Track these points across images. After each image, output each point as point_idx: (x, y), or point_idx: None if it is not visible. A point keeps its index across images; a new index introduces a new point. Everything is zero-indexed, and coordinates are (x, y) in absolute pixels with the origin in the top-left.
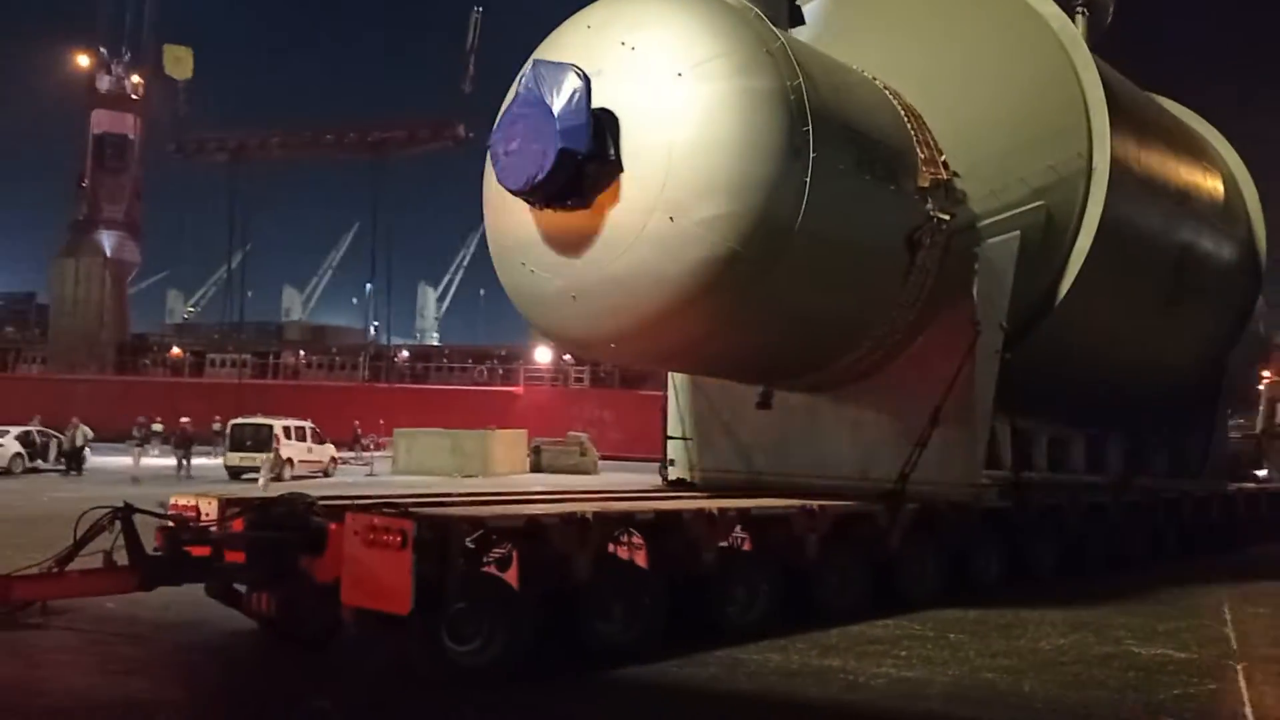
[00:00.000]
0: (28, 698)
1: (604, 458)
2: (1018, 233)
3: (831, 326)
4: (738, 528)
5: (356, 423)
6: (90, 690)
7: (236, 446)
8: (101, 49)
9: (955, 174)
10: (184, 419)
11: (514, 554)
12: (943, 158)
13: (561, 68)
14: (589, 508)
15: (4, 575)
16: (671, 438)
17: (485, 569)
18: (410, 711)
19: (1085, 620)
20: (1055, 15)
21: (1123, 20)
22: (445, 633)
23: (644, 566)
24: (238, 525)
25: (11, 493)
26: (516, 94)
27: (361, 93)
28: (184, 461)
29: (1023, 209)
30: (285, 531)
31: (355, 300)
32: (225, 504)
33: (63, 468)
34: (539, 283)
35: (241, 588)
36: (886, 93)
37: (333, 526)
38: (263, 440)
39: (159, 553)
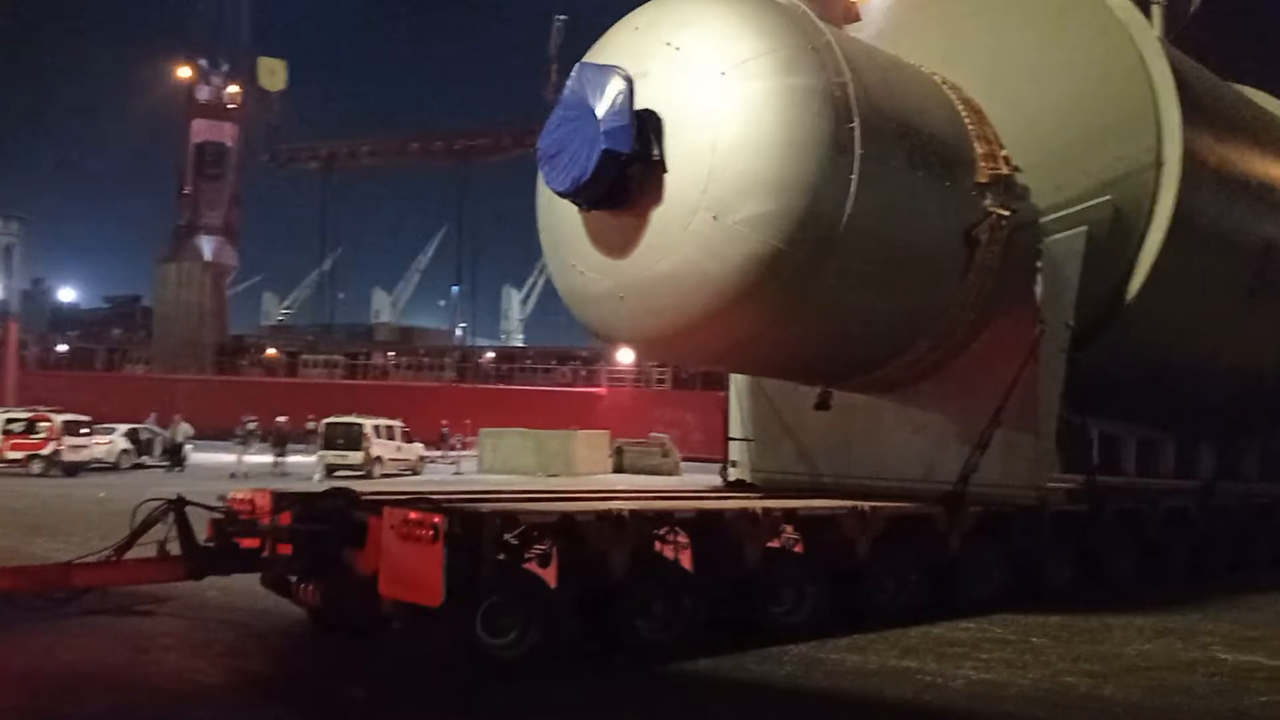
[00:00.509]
0: (139, 678)
1: (686, 459)
2: (1084, 228)
3: (886, 326)
4: (789, 529)
5: (444, 422)
6: (194, 672)
7: (329, 445)
8: (201, 61)
9: (1017, 169)
10: (281, 418)
11: (554, 550)
12: (1004, 152)
13: (605, 70)
14: (627, 505)
15: (65, 563)
16: (732, 439)
17: (525, 564)
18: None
19: (1171, 626)
20: (1123, 5)
21: (1215, 8)
22: (480, 625)
23: (687, 566)
24: (285, 519)
25: (118, 487)
26: (562, 97)
27: (447, 101)
28: (280, 459)
29: (1089, 204)
30: (328, 525)
31: (442, 302)
32: (277, 498)
33: (166, 464)
34: (587, 283)
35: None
36: (945, 87)
37: (372, 520)
38: (354, 439)
39: (210, 544)
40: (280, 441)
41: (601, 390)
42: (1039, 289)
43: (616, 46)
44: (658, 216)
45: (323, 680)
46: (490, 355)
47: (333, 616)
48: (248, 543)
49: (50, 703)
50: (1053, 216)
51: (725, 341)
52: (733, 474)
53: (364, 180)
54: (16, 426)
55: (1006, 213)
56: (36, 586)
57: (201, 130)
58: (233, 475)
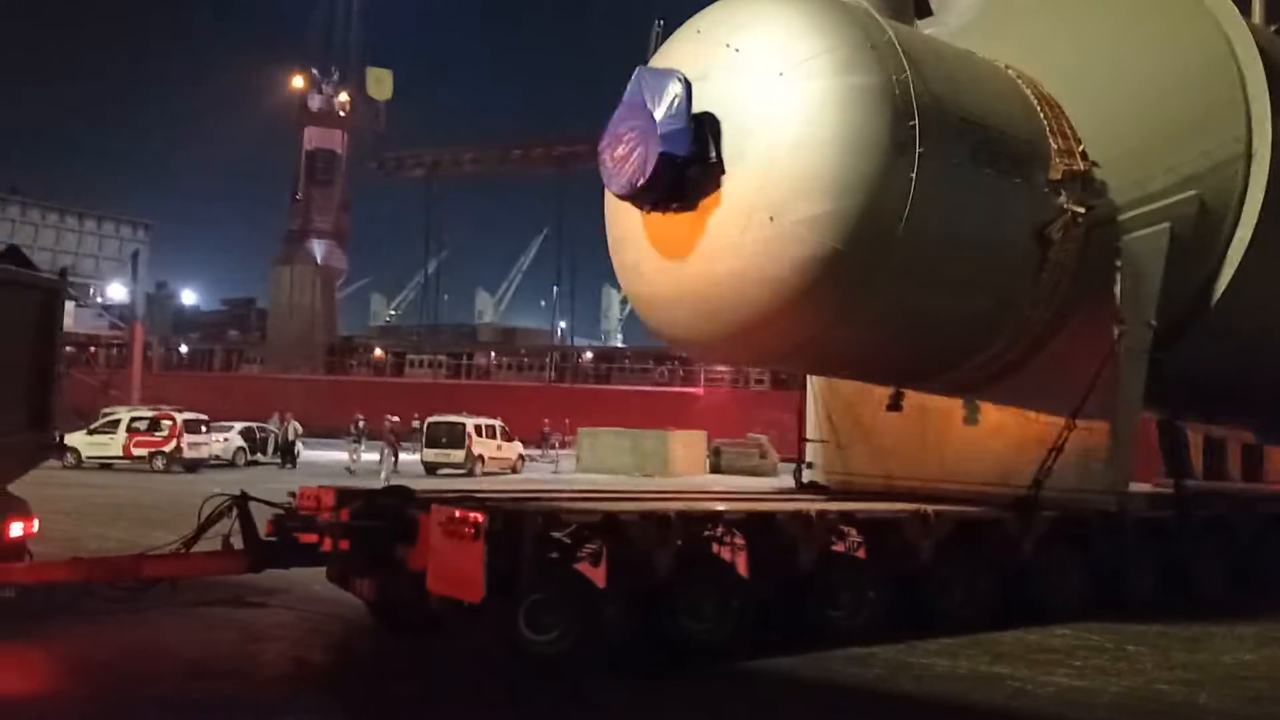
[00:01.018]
0: (248, 665)
1: (784, 460)
2: (1167, 225)
3: (954, 326)
4: (853, 533)
5: (546, 422)
6: (296, 662)
7: (432, 443)
8: (313, 70)
9: (1095, 164)
10: (393, 417)
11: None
12: (1081, 147)
13: (664, 74)
14: (674, 506)
15: (136, 554)
16: (808, 440)
17: (575, 563)
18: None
19: (1276, 636)
20: None
21: None
22: (523, 622)
23: (739, 566)
24: (344, 515)
25: (233, 484)
26: (622, 101)
27: (547, 107)
28: (392, 457)
29: (1172, 200)
30: (382, 521)
31: (544, 303)
32: (340, 494)
33: (279, 461)
34: (649, 284)
35: None
36: (1020, 82)
37: (422, 517)
38: (456, 437)
39: (271, 538)
40: (391, 440)
41: (699, 390)
42: (1118, 288)
43: (679, 50)
44: (716, 218)
45: (381, 675)
46: (589, 355)
47: (387, 611)
48: (308, 538)
49: (170, 688)
50: (1134, 213)
51: (784, 342)
52: (808, 476)
53: (467, 185)
54: (141, 425)
55: (1082, 210)
56: (111, 576)
57: (313, 137)
58: (350, 471)
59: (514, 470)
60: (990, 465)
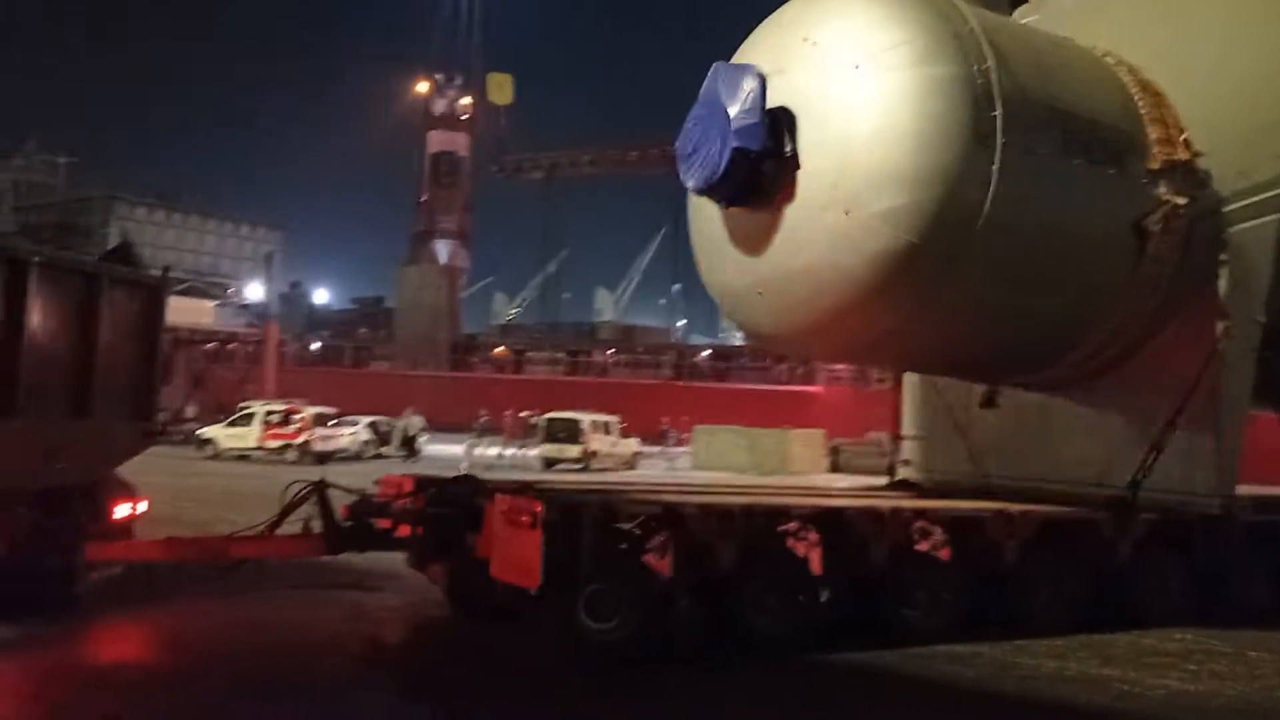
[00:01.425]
0: (345, 643)
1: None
2: (1276, 216)
3: (1044, 321)
4: (939, 531)
5: (665, 419)
6: (381, 639)
7: (549, 439)
8: (438, 75)
9: (1198, 153)
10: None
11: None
12: (1183, 136)
13: (739, 69)
14: (740, 500)
15: (225, 536)
16: (901, 437)
17: (644, 554)
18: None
19: None
20: None
21: None
22: (583, 609)
23: (814, 562)
24: (418, 502)
25: (356, 475)
26: (699, 97)
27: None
28: (514, 451)
29: None
30: (452, 509)
31: (663, 300)
32: (419, 482)
33: (403, 454)
34: (729, 279)
35: None
36: (1119, 69)
37: (488, 506)
38: (573, 433)
39: (348, 523)
40: (517, 435)
41: (819, 389)
42: (1223, 282)
43: (760, 44)
44: (792, 212)
45: (451, 657)
46: (707, 353)
47: (460, 596)
48: (384, 523)
49: (253, 660)
50: (1240, 204)
51: (862, 337)
52: (904, 474)
53: (586, 186)
54: (274, 418)
55: (1183, 200)
56: (202, 556)
57: (437, 141)
58: (468, 464)
59: (629, 466)
60: (1089, 465)
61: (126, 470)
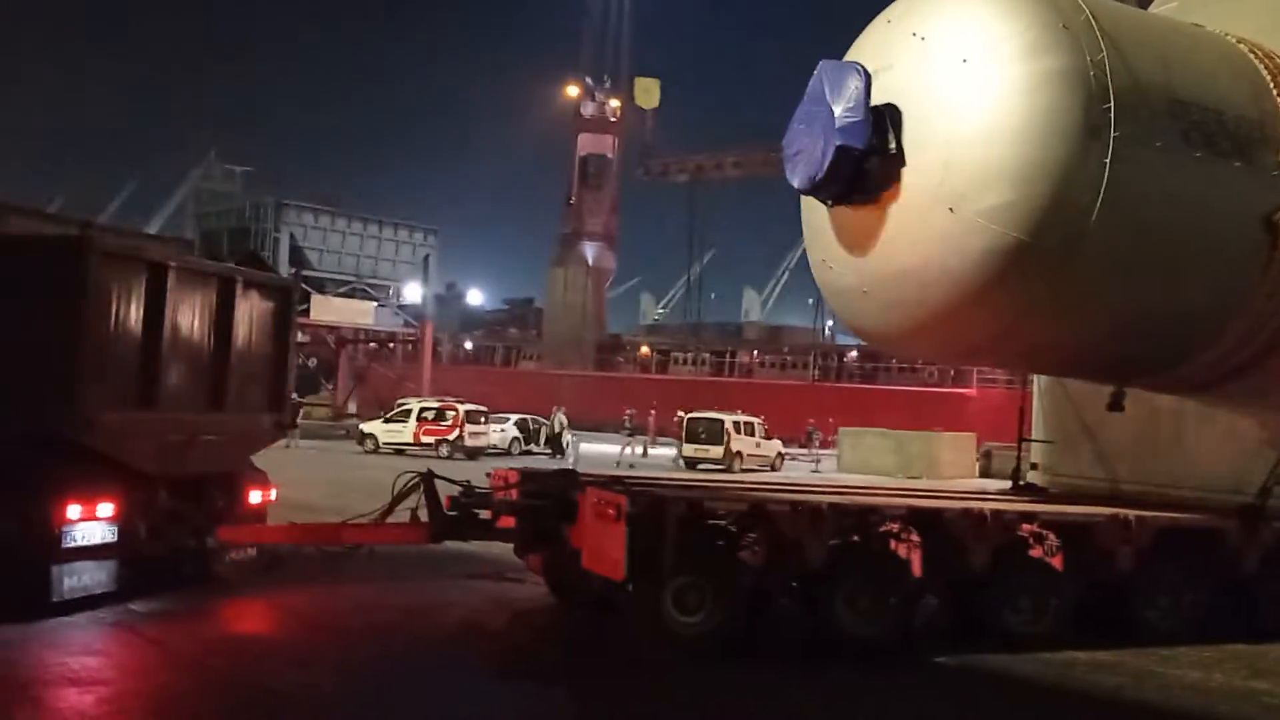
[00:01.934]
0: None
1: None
2: None
3: (1169, 321)
4: (1051, 537)
5: (811, 421)
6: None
7: (691, 439)
8: (586, 79)
9: None
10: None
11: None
12: None
13: (844, 67)
14: (829, 499)
15: (338, 523)
16: (1026, 440)
17: (739, 550)
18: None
19: None
20: None
21: None
22: (670, 602)
23: (915, 563)
24: (519, 494)
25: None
26: (804, 96)
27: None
28: (642, 449)
29: None
30: (548, 501)
31: (810, 300)
32: (522, 476)
33: (549, 451)
34: (836, 278)
35: None
36: (1253, 56)
37: (580, 499)
38: (715, 434)
39: (453, 513)
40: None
41: (971, 391)
42: None
43: (870, 41)
44: (896, 210)
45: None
46: (854, 354)
47: (559, 586)
48: (487, 514)
49: (362, 638)
50: None
51: (970, 337)
52: (1031, 478)
53: (732, 187)
54: (429, 414)
55: None
56: (318, 540)
57: (586, 143)
58: (618, 464)
59: (773, 468)
60: (1223, 471)
61: (294, 462)
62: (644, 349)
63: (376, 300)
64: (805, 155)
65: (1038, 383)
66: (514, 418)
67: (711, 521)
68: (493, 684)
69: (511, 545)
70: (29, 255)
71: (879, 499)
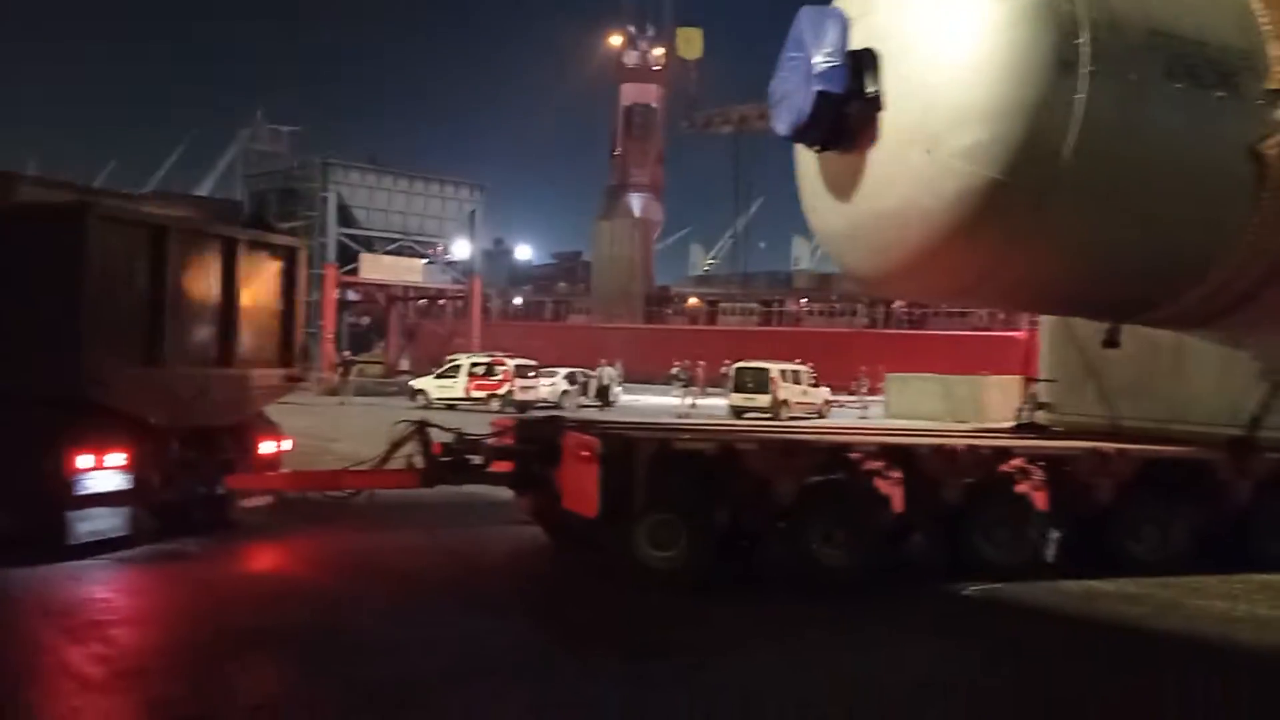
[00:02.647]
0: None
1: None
2: None
3: (1157, 255)
4: (1038, 471)
5: (862, 369)
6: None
7: (739, 388)
8: (630, 28)
9: None
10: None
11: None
12: None
13: (823, 12)
14: (798, 437)
15: (339, 469)
16: (1031, 379)
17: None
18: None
19: None
20: None
21: None
22: (646, 539)
23: (895, 499)
24: (510, 439)
25: None
26: (786, 43)
27: None
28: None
29: None
30: (534, 446)
31: None
32: (517, 424)
33: (599, 403)
34: (826, 222)
35: None
36: None
37: (563, 442)
38: (761, 383)
39: (445, 459)
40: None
41: (1021, 333)
42: None
43: None
44: (877, 154)
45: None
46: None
47: (546, 525)
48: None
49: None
50: None
51: (955, 277)
52: (1038, 417)
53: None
54: (479, 369)
55: None
56: (319, 486)
57: (630, 94)
58: (678, 416)
59: (820, 415)
60: (1219, 405)
61: (346, 418)
62: (692, 300)
63: (424, 257)
64: (789, 102)
65: (1044, 322)
66: (563, 371)
67: (681, 461)
68: (464, 615)
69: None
70: (34, 223)
71: (852, 436)
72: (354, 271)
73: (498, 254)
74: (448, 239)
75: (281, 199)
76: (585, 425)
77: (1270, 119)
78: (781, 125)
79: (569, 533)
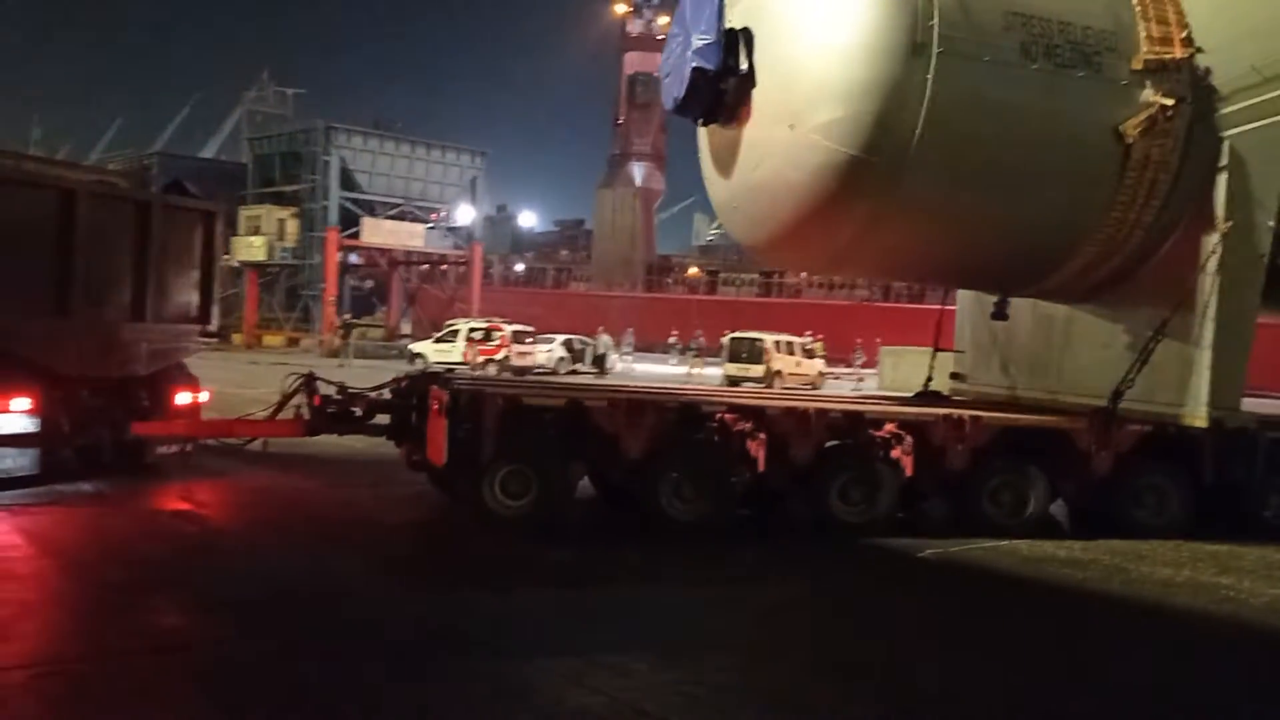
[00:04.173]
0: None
1: None
2: None
3: (1024, 230)
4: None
5: (858, 341)
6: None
7: (733, 358)
8: None
9: (1198, 50)
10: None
11: None
12: (1185, 33)
13: None
14: (657, 396)
15: (233, 419)
16: (939, 350)
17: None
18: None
19: None
20: None
21: None
22: (498, 489)
23: (734, 453)
24: (388, 393)
25: None
26: (673, 20)
27: None
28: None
29: None
30: (407, 399)
31: None
32: (401, 378)
33: (595, 370)
34: (716, 193)
35: None
36: None
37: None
38: (756, 353)
39: (329, 410)
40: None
41: None
42: (1220, 187)
43: None
44: (750, 129)
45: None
46: None
47: (418, 471)
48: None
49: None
50: (1248, 103)
51: (825, 249)
52: (949, 386)
53: None
54: (477, 335)
55: (1170, 102)
56: (217, 434)
57: (633, 62)
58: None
59: (814, 386)
60: (1102, 378)
61: (346, 379)
62: (692, 270)
63: (426, 223)
64: (672, 77)
65: (960, 296)
66: (560, 338)
67: (532, 415)
68: (314, 550)
69: None
70: None
71: (704, 396)
72: (356, 236)
73: (500, 220)
74: (450, 205)
75: (284, 163)
76: (447, 380)
77: (1135, 99)
78: (667, 99)
79: (439, 481)
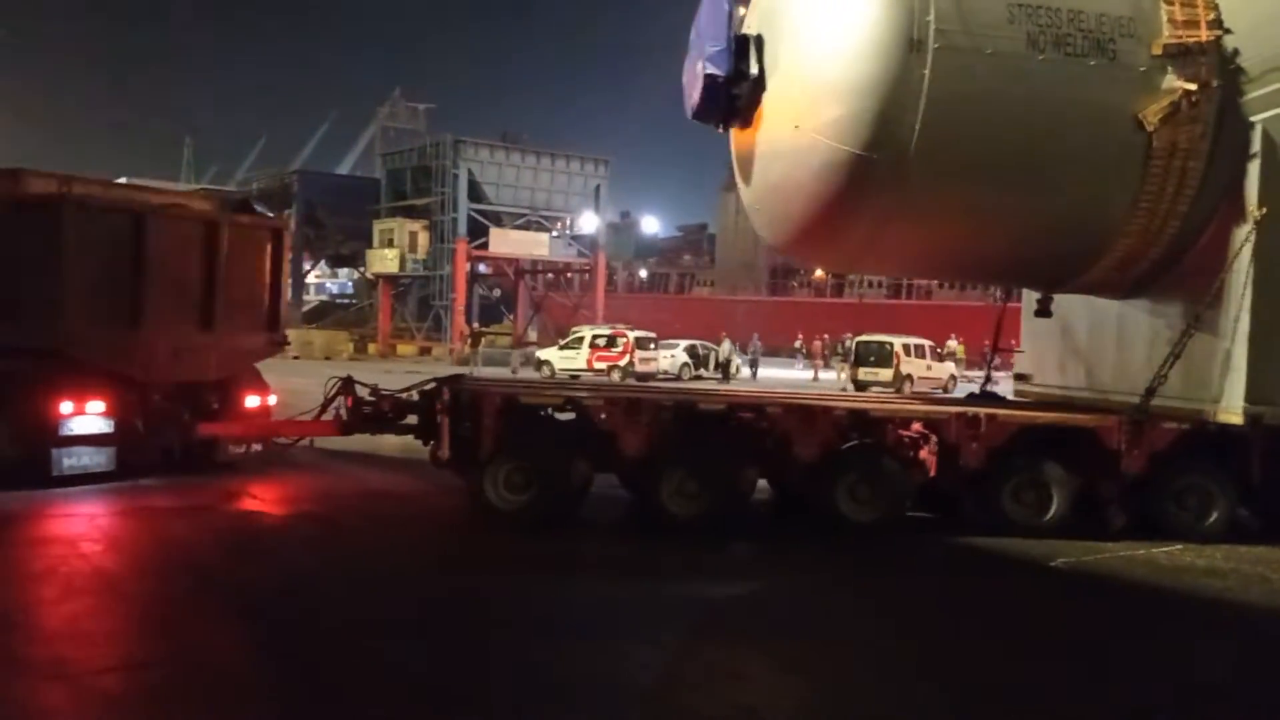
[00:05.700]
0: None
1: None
2: None
3: (1050, 224)
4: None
5: (987, 342)
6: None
7: (861, 362)
8: None
9: (1226, 32)
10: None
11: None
12: (1212, 15)
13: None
14: (652, 395)
15: (282, 420)
16: (997, 349)
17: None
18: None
19: None
20: None
21: None
22: (501, 482)
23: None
24: (415, 395)
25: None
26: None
27: None
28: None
29: None
30: (429, 401)
31: None
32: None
33: (719, 376)
34: (744, 195)
35: None
36: None
37: None
38: (885, 357)
39: (365, 411)
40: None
41: None
42: (1253, 174)
43: None
44: (763, 132)
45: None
46: None
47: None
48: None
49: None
50: (1278, 86)
51: (841, 247)
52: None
53: None
54: (600, 341)
55: (1193, 87)
56: (261, 434)
57: None
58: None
59: (945, 390)
60: (1150, 375)
61: None
62: (818, 272)
63: (551, 231)
64: (689, 85)
65: (1026, 294)
66: (683, 344)
67: (534, 413)
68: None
69: None
70: (26, 211)
71: (699, 395)
72: (484, 246)
73: (624, 227)
74: (574, 213)
75: (415, 176)
76: (458, 382)
77: (1156, 85)
78: (687, 107)
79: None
